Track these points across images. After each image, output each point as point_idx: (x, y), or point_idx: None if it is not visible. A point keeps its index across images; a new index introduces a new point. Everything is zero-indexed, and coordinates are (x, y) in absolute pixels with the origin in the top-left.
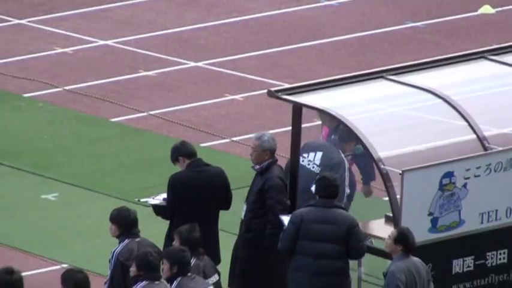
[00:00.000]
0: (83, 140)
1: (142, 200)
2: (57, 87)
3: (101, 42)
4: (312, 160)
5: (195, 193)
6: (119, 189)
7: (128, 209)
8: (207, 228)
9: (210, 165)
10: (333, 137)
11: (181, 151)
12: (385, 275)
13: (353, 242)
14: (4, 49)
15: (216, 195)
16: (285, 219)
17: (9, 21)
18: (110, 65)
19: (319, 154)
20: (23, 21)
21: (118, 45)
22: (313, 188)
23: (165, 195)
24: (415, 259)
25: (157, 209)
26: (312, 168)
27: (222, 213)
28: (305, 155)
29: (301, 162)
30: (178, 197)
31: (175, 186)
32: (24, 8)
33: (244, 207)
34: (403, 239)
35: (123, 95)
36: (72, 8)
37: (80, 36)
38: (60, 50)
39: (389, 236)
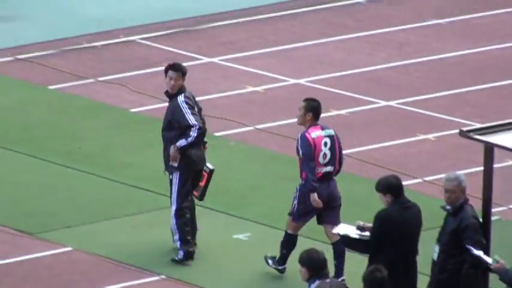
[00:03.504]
0: (274, 179)
1: (339, 231)
2: (249, 126)
3: (292, 81)
4: None
5: (402, 229)
6: (310, 229)
7: (316, 251)
8: (409, 265)
9: (412, 203)
10: None
11: (394, 186)
12: None
13: None
14: (195, 87)
15: (418, 232)
16: (484, 256)
17: (200, 59)
18: (299, 104)
19: None
20: (214, 60)
21: (309, 84)
22: None
23: (356, 230)
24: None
25: (355, 243)
26: None
27: None
28: None
29: None
30: (385, 232)
31: (383, 221)
32: (216, 46)
33: (436, 248)
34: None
35: None
36: (264, 46)
37: (271, 74)
38: (251, 89)
39: None
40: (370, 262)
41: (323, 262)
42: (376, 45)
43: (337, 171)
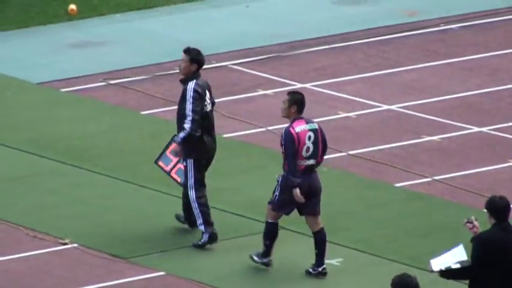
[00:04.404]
0: (367, 205)
1: (435, 268)
2: (341, 152)
3: (385, 107)
4: None
5: (504, 253)
6: (402, 255)
7: (409, 275)
8: None
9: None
10: None
11: (497, 208)
12: None
13: None
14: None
15: None
16: None
17: (293, 85)
18: (393, 129)
19: None
20: (307, 85)
21: (402, 110)
22: None
23: (451, 259)
24: None
25: (459, 273)
26: None
27: None
28: None
29: None
30: (485, 255)
31: (483, 243)
32: (308, 72)
33: None
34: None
35: (406, 160)
36: (356, 72)
37: (363, 100)
38: (343, 114)
39: None
40: None
41: (416, 287)
42: (468, 71)
43: (318, 163)
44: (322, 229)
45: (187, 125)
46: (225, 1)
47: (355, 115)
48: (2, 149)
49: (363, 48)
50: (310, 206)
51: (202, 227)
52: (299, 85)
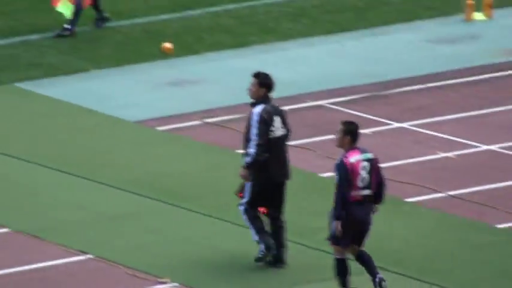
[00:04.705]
0: (468, 246)
1: None
2: (441, 193)
3: (484, 147)
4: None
5: None
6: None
7: None
8: None
9: None
10: None
11: None
12: None
13: None
14: (384, 153)
15: None
16: None
17: (390, 124)
18: (493, 170)
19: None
20: (404, 125)
21: (502, 151)
22: None
23: None
24: None
25: None
26: None
27: None
28: None
29: None
30: None
31: None
32: (405, 112)
33: None
34: None
35: (507, 200)
36: (453, 112)
37: (461, 140)
38: (442, 155)
39: None
40: None
41: None
42: None
43: (379, 196)
44: (361, 251)
45: (251, 150)
46: (319, 40)
47: (454, 155)
48: (102, 188)
49: (458, 88)
50: (358, 237)
51: (256, 237)
52: (396, 124)
